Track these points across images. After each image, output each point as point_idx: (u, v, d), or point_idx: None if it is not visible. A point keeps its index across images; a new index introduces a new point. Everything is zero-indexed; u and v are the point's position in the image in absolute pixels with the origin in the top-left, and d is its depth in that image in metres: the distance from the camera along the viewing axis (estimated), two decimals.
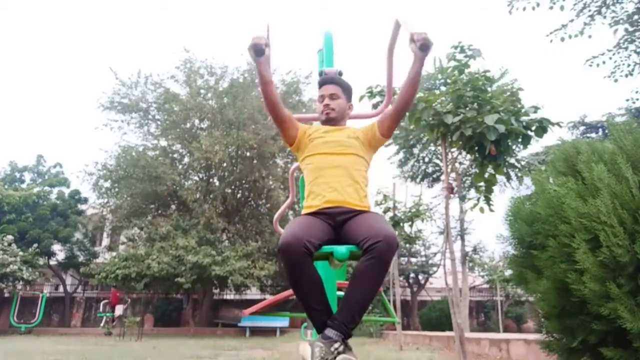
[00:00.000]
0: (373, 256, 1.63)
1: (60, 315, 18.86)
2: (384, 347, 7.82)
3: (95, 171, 17.26)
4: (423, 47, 1.77)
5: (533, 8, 9.01)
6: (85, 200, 20.57)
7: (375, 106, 4.12)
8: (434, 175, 14.94)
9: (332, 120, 2.17)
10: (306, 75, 17.20)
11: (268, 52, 1.86)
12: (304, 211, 2.02)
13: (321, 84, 2.22)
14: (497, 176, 4.07)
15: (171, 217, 16.48)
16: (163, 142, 17.79)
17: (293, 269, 1.67)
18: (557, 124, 3.72)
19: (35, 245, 17.58)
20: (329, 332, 1.64)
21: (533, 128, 3.73)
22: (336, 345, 1.60)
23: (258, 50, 1.80)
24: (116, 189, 17.37)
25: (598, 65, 10.20)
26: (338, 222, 1.89)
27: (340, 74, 2.61)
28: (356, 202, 1.96)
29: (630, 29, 9.49)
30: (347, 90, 2.22)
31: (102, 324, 15.91)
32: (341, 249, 1.75)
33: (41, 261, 17.99)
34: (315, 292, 1.73)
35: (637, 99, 12.04)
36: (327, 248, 1.76)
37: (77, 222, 19.72)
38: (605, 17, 9.47)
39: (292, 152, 2.28)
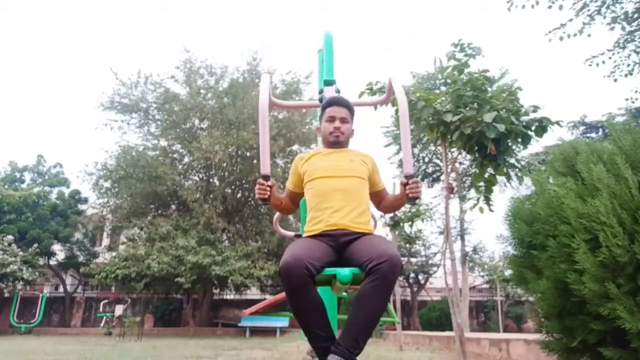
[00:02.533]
0: (377, 277, 1.60)
1: (60, 315, 18.87)
2: (384, 347, 7.82)
3: (95, 171, 17.26)
4: (412, 200, 1.94)
5: (532, 6, 9.01)
6: (85, 200, 20.58)
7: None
8: (434, 175, 14.94)
9: (339, 143, 2.15)
10: (306, 75, 17.18)
11: (272, 182, 1.97)
12: (305, 235, 1.99)
13: (331, 104, 2.18)
14: (497, 176, 4.06)
15: (171, 217, 16.48)
16: (163, 142, 17.79)
17: (294, 291, 1.63)
18: (557, 123, 3.71)
19: (35, 245, 17.58)
20: (332, 358, 1.60)
21: (533, 127, 3.72)
22: None
23: (265, 202, 1.96)
24: (116, 189, 17.37)
25: (598, 65, 10.21)
26: (340, 244, 1.86)
27: (337, 91, 2.63)
28: (359, 226, 1.93)
29: (628, 27, 9.49)
30: (353, 115, 2.23)
31: (102, 324, 15.92)
32: (344, 272, 1.70)
33: (41, 261, 18.00)
34: (317, 316, 1.68)
35: (637, 99, 12.04)
36: (329, 270, 1.72)
37: (77, 222, 19.72)
38: (605, 17, 9.48)
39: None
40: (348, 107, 2.19)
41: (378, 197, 2.19)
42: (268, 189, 1.93)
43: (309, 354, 1.74)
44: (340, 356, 1.60)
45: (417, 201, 1.98)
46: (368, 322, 1.66)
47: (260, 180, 1.95)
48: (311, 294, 1.65)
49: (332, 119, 2.15)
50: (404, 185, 1.93)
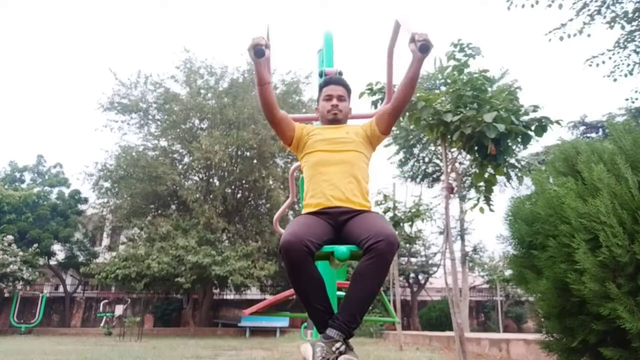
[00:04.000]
0: (374, 256, 1.63)
1: (60, 315, 18.87)
2: (384, 347, 7.82)
3: (96, 172, 17.28)
4: (423, 48, 1.76)
5: (532, 5, 9.00)
6: (85, 200, 20.58)
7: (374, 104, 4.13)
8: (434, 175, 14.95)
9: (337, 121, 2.18)
10: (306, 75, 17.21)
11: (268, 54, 1.83)
12: (304, 210, 2.01)
13: (328, 83, 2.21)
14: (497, 176, 4.06)
15: (171, 217, 16.48)
16: (163, 142, 17.79)
17: (294, 268, 1.67)
18: (557, 122, 3.71)
19: (35, 245, 17.59)
20: (330, 331, 1.64)
21: (533, 127, 3.73)
22: (337, 345, 1.60)
23: (258, 51, 1.78)
24: (116, 189, 17.38)
25: (598, 65, 10.21)
26: (339, 222, 1.89)
27: (340, 73, 2.62)
28: (358, 201, 1.95)
29: (628, 26, 9.48)
30: (350, 94, 2.25)
31: (102, 324, 15.92)
32: (342, 249, 1.75)
33: (41, 261, 18.00)
34: (316, 291, 1.73)
35: (637, 99, 12.04)
36: (327, 248, 1.76)
37: (77, 222, 19.72)
38: (605, 17, 9.47)
39: (292, 154, 2.29)
40: (345, 85, 2.20)
41: (385, 111, 2.10)
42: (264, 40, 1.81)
43: (311, 344, 1.76)
44: (337, 330, 1.64)
45: (429, 51, 1.76)
46: (365, 298, 1.70)
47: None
48: (310, 271, 1.69)
49: (329, 97, 2.17)
50: (412, 39, 1.79)
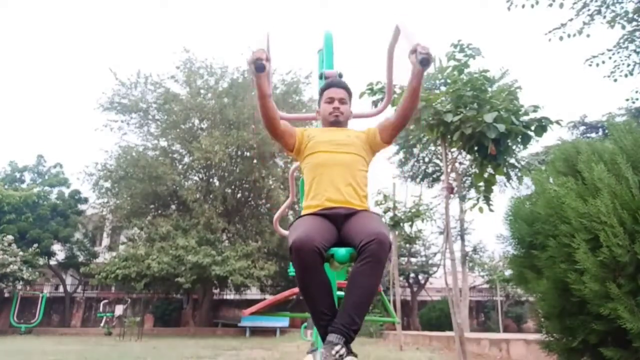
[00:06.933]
0: (367, 256, 1.64)
1: (60, 315, 18.87)
2: (384, 347, 7.82)
3: (96, 172, 17.27)
4: (424, 61, 1.74)
5: (532, 6, 8.98)
6: (85, 200, 20.58)
7: (375, 103, 4.13)
8: (434, 175, 14.93)
9: (339, 123, 2.19)
10: (306, 75, 17.21)
11: (268, 67, 1.80)
12: (304, 210, 2.01)
13: (329, 86, 2.23)
14: (497, 176, 4.06)
15: (171, 217, 16.48)
16: (163, 142, 17.79)
17: (306, 270, 1.65)
18: (557, 122, 3.71)
19: (35, 245, 17.58)
20: (330, 336, 1.63)
21: (533, 127, 3.72)
22: (337, 348, 1.58)
23: (259, 66, 1.72)
24: (116, 189, 17.38)
25: (598, 65, 10.20)
26: (339, 225, 1.90)
27: (340, 75, 2.62)
28: (356, 203, 1.96)
29: (628, 25, 9.48)
30: (351, 97, 2.27)
31: (102, 324, 15.92)
32: (341, 251, 1.75)
33: (41, 261, 18.00)
34: (325, 296, 1.72)
35: (637, 99, 12.03)
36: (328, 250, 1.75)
37: (77, 222, 19.72)
38: (605, 16, 9.47)
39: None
40: (346, 88, 2.22)
41: (389, 122, 2.10)
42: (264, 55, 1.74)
43: (309, 353, 1.75)
44: (337, 333, 1.63)
45: (429, 65, 1.75)
46: (362, 300, 1.69)
47: None
48: (321, 274, 1.69)
49: (331, 100, 2.18)
50: (413, 51, 1.76)
